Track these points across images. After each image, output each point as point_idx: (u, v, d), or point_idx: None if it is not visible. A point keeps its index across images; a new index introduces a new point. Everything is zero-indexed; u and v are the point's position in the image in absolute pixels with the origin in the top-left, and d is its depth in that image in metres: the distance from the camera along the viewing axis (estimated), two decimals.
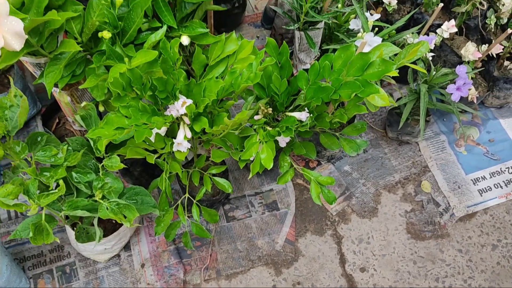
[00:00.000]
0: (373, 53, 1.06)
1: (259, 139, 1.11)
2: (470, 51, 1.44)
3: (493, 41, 1.61)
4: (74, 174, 1.03)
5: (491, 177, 1.56)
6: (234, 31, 1.15)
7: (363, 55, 1.00)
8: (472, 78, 1.63)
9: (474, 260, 1.42)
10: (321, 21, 1.36)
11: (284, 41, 1.16)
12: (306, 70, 1.52)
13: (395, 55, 1.15)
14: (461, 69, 1.34)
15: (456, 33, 1.70)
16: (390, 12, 1.66)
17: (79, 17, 1.04)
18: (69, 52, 1.02)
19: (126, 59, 0.99)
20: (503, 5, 1.56)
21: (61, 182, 0.94)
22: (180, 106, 0.99)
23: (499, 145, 1.63)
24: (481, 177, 1.56)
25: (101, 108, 1.13)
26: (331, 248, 1.43)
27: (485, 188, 1.54)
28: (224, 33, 1.11)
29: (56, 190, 0.93)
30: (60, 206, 1.05)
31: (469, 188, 1.53)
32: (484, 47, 1.51)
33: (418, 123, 1.52)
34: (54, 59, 1.03)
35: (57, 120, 1.42)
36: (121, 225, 1.27)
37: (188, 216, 1.24)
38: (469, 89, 1.39)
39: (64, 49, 1.00)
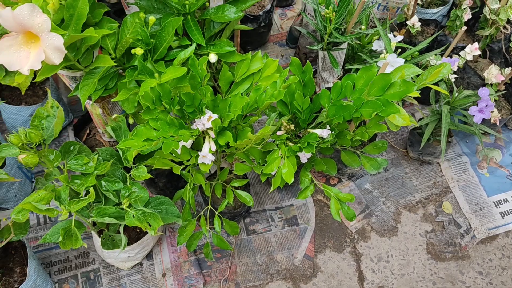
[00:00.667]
0: (394, 74, 1.09)
1: (281, 154, 1.14)
2: (493, 74, 1.45)
3: None
4: (103, 183, 1.08)
5: None
6: (259, 49, 1.20)
7: (385, 75, 1.03)
8: (495, 100, 1.63)
9: (494, 283, 1.40)
10: (345, 42, 1.40)
11: (307, 60, 1.20)
12: (329, 88, 1.56)
13: (417, 76, 1.17)
14: (483, 92, 1.35)
15: (479, 55, 1.71)
16: (414, 33, 1.68)
17: (114, 34, 1.11)
18: (103, 67, 1.08)
19: (156, 75, 1.04)
20: None
21: (91, 189, 0.98)
22: (206, 120, 1.03)
23: None
24: (503, 199, 1.55)
25: (131, 121, 1.18)
26: (350, 265, 1.43)
27: (507, 211, 1.53)
28: (250, 51, 1.16)
29: (87, 197, 0.98)
30: (89, 213, 1.10)
31: (491, 211, 1.52)
32: (508, 70, 1.52)
33: (440, 143, 1.53)
34: (89, 73, 1.09)
35: (87, 131, 1.48)
36: (145, 234, 1.31)
37: (210, 228, 1.27)
38: (492, 112, 1.39)
39: (99, 64, 1.06)
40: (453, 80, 1.47)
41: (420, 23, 1.66)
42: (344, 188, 1.58)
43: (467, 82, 1.69)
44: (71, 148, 1.10)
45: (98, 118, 1.32)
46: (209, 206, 1.27)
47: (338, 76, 1.60)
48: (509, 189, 1.57)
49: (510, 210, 1.53)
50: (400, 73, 1.09)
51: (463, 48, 1.65)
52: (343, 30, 1.35)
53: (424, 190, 1.58)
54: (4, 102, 1.41)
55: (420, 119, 1.53)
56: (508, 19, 1.56)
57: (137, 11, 1.15)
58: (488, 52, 1.73)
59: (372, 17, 1.57)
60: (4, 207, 1.44)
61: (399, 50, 1.50)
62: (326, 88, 1.57)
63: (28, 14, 0.82)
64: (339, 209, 1.20)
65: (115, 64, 1.08)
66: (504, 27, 1.57)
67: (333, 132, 1.19)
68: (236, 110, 1.04)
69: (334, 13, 1.26)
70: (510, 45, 1.64)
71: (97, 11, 1.10)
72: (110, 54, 1.13)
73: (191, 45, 1.13)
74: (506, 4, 1.53)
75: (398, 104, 1.15)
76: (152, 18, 1.09)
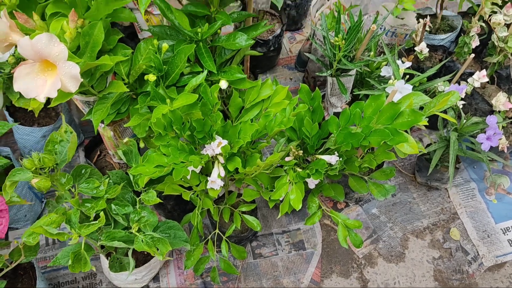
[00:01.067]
0: (403, 101, 1.10)
1: (289, 180, 1.14)
2: (501, 101, 1.46)
3: None
4: (113, 206, 1.09)
5: None
6: (269, 74, 1.22)
7: (393, 105, 1.04)
8: (503, 127, 1.63)
9: None
10: (353, 68, 1.42)
11: (316, 85, 1.21)
12: (337, 113, 1.57)
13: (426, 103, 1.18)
14: (491, 119, 1.35)
15: (487, 82, 1.72)
16: (422, 59, 1.70)
17: (128, 60, 1.13)
18: (116, 92, 1.10)
19: (168, 100, 1.06)
20: None
21: (101, 214, 0.99)
22: (216, 146, 1.04)
23: None
24: (511, 226, 1.54)
25: (142, 145, 1.20)
26: None
27: None
28: (259, 75, 1.17)
29: (97, 221, 0.99)
30: (98, 236, 1.11)
31: (498, 238, 1.52)
32: None
33: (448, 169, 1.53)
34: (102, 98, 1.11)
35: (98, 152, 1.50)
36: (152, 256, 1.32)
37: (217, 251, 1.27)
38: (500, 139, 1.40)
39: (112, 90, 1.08)
40: (461, 106, 1.48)
41: (428, 49, 1.67)
42: (352, 213, 1.58)
43: (475, 108, 1.70)
44: (83, 171, 1.11)
45: (109, 140, 1.33)
46: (217, 231, 1.28)
47: (347, 101, 1.62)
48: None
49: None
50: (408, 101, 1.10)
51: (471, 74, 1.66)
52: (352, 57, 1.37)
53: (432, 216, 1.58)
54: (17, 123, 1.43)
55: (428, 145, 1.53)
56: None
57: (150, 37, 1.18)
58: (496, 78, 1.74)
59: (381, 42, 1.58)
60: (14, 227, 1.46)
61: (407, 76, 1.51)
62: (335, 113, 1.58)
63: (46, 44, 0.84)
64: (347, 236, 1.20)
65: (128, 89, 1.11)
66: None
67: (341, 159, 1.20)
68: (245, 136, 1.06)
69: (343, 41, 1.28)
70: None
71: (111, 38, 1.12)
72: (123, 79, 1.15)
73: (202, 71, 1.15)
74: None
75: (406, 132, 1.15)
76: (165, 45, 1.11)
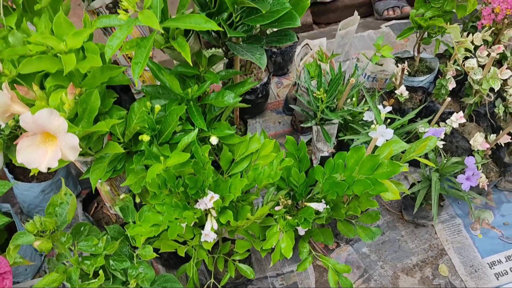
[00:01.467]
0: (382, 150, 1.18)
1: (280, 229, 1.20)
2: (479, 141, 1.54)
3: (503, 128, 1.71)
4: (111, 262, 1.14)
5: (507, 260, 1.59)
6: (258, 119, 1.28)
7: (373, 157, 1.11)
8: (483, 164, 1.71)
9: None
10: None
11: (302, 140, 1.28)
12: (324, 157, 1.64)
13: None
14: (469, 161, 1.43)
15: (467, 119, 1.81)
16: (403, 101, 1.78)
17: (122, 121, 1.20)
18: (112, 152, 1.16)
19: (161, 158, 1.12)
20: (510, 95, 1.67)
21: (100, 272, 1.04)
22: (208, 201, 1.10)
23: None
24: (497, 260, 1.60)
25: (137, 200, 1.26)
26: None
27: (501, 272, 1.57)
28: (249, 120, 1.23)
29: (97, 280, 1.04)
30: None
31: (485, 272, 1.57)
32: (493, 136, 1.60)
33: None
34: (99, 158, 1.17)
35: (95, 204, 1.56)
36: None
37: None
38: (479, 178, 1.47)
39: (109, 151, 1.14)
40: (441, 146, 1.55)
41: (407, 92, 1.76)
42: (343, 253, 1.63)
43: (456, 146, 1.78)
44: (82, 228, 1.17)
45: (106, 194, 1.39)
46: (212, 280, 1.32)
47: (334, 144, 1.69)
48: (502, 250, 1.62)
49: (504, 271, 1.57)
50: (388, 149, 1.18)
51: (450, 113, 1.75)
52: (334, 106, 1.45)
53: (421, 253, 1.63)
54: (16, 179, 1.49)
55: (411, 185, 1.60)
56: (490, 88, 1.65)
57: (144, 97, 1.25)
58: (474, 117, 1.82)
59: (362, 89, 1.67)
60: (15, 281, 1.49)
61: (389, 120, 1.59)
62: (321, 157, 1.65)
63: (47, 118, 0.91)
64: (337, 280, 1.25)
65: (123, 149, 1.17)
66: (488, 95, 1.67)
67: (328, 206, 1.26)
68: (236, 191, 1.12)
69: (325, 94, 1.36)
70: (494, 110, 1.74)
71: (107, 101, 1.19)
72: (118, 139, 1.22)
73: (194, 129, 1.22)
74: (488, 74, 1.63)
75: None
76: (157, 107, 1.19)
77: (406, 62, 1.89)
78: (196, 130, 1.19)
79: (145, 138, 1.14)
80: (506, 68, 1.57)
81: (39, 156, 0.93)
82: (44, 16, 1.14)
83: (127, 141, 1.22)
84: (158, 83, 1.32)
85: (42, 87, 1.11)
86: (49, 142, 0.95)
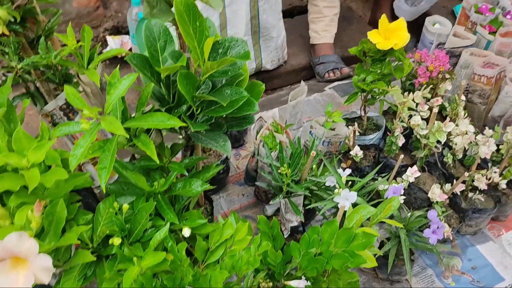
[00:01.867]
0: (351, 218, 1.21)
1: None
2: (437, 193, 1.61)
3: (454, 175, 1.81)
4: None
5: None
6: (221, 193, 1.28)
7: (347, 230, 1.13)
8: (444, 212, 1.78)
9: None
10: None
11: (274, 217, 1.29)
12: (294, 227, 1.65)
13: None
14: (432, 214, 1.48)
15: (420, 170, 1.90)
16: (358, 160, 1.85)
17: (90, 226, 1.16)
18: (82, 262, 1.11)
19: (135, 259, 1.09)
20: (456, 144, 1.78)
21: None
22: None
23: (482, 271, 1.73)
24: None
25: None
26: None
27: None
28: (212, 196, 1.22)
29: None
30: None
31: None
32: (448, 186, 1.69)
33: (404, 263, 1.62)
34: (68, 269, 1.12)
35: None
36: None
37: None
38: (444, 230, 1.53)
39: (79, 261, 1.09)
40: (402, 201, 1.61)
41: (362, 151, 1.83)
42: None
43: (414, 197, 1.85)
44: None
45: None
46: None
47: (301, 212, 1.71)
48: None
49: None
50: (358, 216, 1.21)
51: (404, 166, 1.84)
52: (298, 178, 1.49)
53: None
54: None
55: (381, 244, 1.63)
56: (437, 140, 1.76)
57: (108, 197, 1.23)
58: (426, 167, 1.92)
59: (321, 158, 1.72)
60: None
61: (350, 182, 1.64)
62: (292, 228, 1.67)
63: (16, 242, 0.87)
64: None
65: (94, 257, 1.13)
66: (436, 146, 1.77)
67: (309, 282, 1.25)
68: (217, 283, 1.10)
69: (289, 170, 1.39)
70: (444, 159, 1.84)
71: (71, 207, 1.16)
72: (87, 244, 1.17)
73: (165, 223, 1.19)
74: (433, 127, 1.74)
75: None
76: (125, 206, 1.16)
77: (355, 122, 1.99)
78: (168, 225, 1.17)
79: (116, 241, 1.11)
80: (449, 121, 1.69)
81: (9, 284, 0.88)
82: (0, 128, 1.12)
83: (96, 245, 1.18)
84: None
85: (2, 203, 1.06)
86: (20, 266, 0.90)
